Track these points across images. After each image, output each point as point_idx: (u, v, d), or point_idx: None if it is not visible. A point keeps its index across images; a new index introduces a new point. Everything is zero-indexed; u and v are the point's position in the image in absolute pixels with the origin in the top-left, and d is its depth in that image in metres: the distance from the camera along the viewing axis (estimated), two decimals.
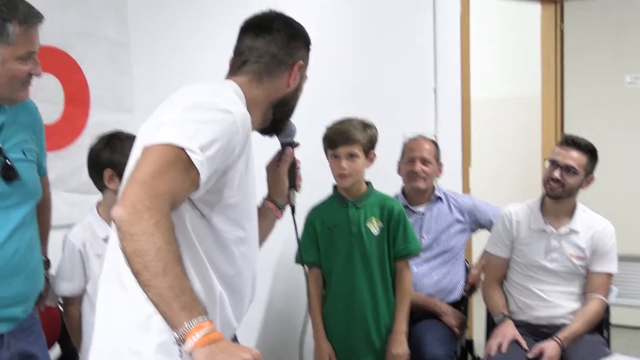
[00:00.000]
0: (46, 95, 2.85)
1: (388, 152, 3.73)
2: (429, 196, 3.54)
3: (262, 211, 2.05)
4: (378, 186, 3.22)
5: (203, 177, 1.52)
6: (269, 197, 2.12)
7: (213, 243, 1.68)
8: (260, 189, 1.93)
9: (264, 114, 1.85)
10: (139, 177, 1.45)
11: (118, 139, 2.48)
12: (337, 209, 3.13)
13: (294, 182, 2.11)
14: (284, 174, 2.10)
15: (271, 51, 1.82)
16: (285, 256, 3.22)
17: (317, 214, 3.18)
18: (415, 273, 3.38)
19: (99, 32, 3.01)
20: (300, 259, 2.98)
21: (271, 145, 2.08)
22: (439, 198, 3.56)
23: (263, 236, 2.06)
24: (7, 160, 2.11)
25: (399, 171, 3.58)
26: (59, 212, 2.72)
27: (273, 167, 2.11)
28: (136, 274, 1.38)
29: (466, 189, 4.48)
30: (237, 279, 1.77)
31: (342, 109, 3.19)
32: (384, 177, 3.60)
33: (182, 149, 1.49)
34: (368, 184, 3.15)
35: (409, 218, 3.34)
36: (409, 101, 4.22)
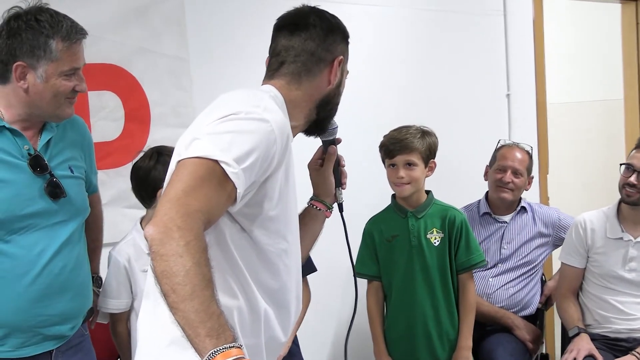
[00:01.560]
0: (107, 113, 2.96)
1: (461, 162, 3.94)
2: (515, 206, 3.49)
3: (310, 212, 2.05)
4: (450, 197, 3.18)
5: (240, 190, 1.49)
6: (316, 198, 2.09)
7: (255, 257, 1.66)
8: (302, 192, 1.91)
9: (307, 116, 1.83)
10: (171, 193, 1.42)
11: (167, 154, 2.48)
12: (396, 220, 3.10)
13: (339, 180, 2.08)
14: (330, 173, 2.07)
15: (309, 49, 1.78)
16: (332, 258, 3.15)
17: (375, 225, 3.15)
18: (490, 284, 3.37)
19: (158, 48, 3.09)
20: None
21: (310, 146, 2.07)
22: (524, 208, 3.50)
23: (313, 238, 2.06)
24: (53, 178, 2.15)
25: (486, 176, 3.54)
26: (120, 228, 2.80)
27: (316, 167, 2.08)
28: (164, 296, 1.36)
29: (544, 198, 4.38)
30: (282, 292, 1.74)
31: (411, 119, 3.16)
32: (457, 186, 3.64)
33: (217, 162, 1.46)
34: (428, 193, 3.11)
35: (490, 227, 3.44)
36: (481, 108, 4.19)
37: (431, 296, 3.03)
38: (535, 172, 3.63)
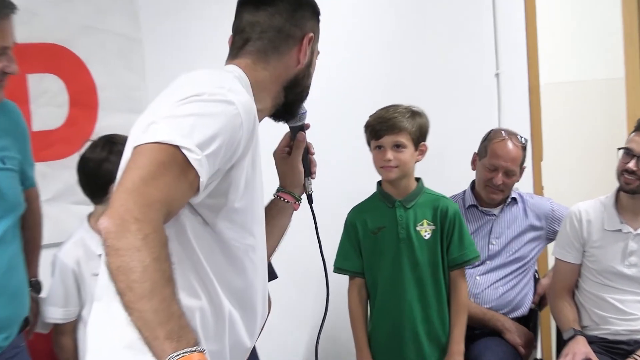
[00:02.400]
0: (49, 98, 2.93)
1: (446, 148, 3.94)
2: (504, 198, 3.51)
3: (277, 205, 2.08)
4: (435, 184, 3.19)
5: (203, 178, 1.50)
6: (283, 189, 2.11)
7: (219, 253, 1.67)
8: (267, 182, 1.92)
9: (274, 99, 1.85)
10: (127, 182, 1.42)
11: (121, 144, 2.39)
12: (382, 210, 3.09)
13: (309, 170, 2.11)
14: (298, 162, 2.10)
15: (276, 24, 1.80)
16: (302, 253, 3.16)
17: (358, 215, 3.14)
18: (478, 283, 3.38)
19: (105, 25, 3.06)
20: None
21: (277, 132, 2.10)
22: (514, 200, 3.52)
23: (280, 234, 2.08)
24: None
25: (474, 165, 3.55)
26: (65, 226, 2.78)
27: (283, 156, 2.10)
28: (120, 294, 1.35)
29: (538, 188, 4.45)
30: (248, 292, 1.76)
31: (390, 100, 3.16)
32: (440, 174, 3.65)
33: (177, 148, 1.46)
34: (418, 180, 3.11)
35: (477, 220, 3.46)
36: (467, 89, 4.20)
37: (421, 295, 3.04)
38: (528, 158, 3.62)
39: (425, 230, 3.03)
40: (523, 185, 3.89)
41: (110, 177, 2.28)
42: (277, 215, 2.07)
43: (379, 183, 3.14)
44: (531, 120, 4.39)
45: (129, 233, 1.35)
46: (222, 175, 1.61)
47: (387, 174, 3.02)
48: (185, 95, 1.56)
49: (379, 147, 3.00)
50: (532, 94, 4.41)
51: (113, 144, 2.49)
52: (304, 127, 2.06)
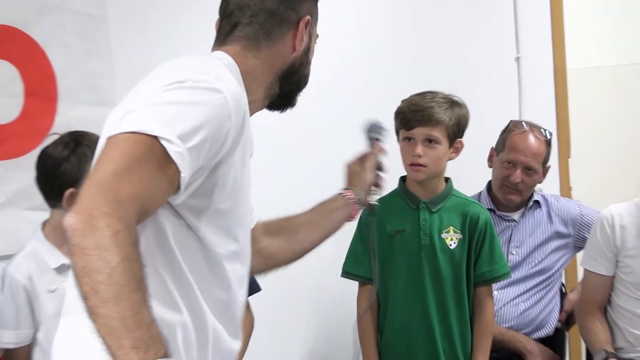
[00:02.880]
0: (0, 88, 2.88)
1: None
2: (525, 201, 3.49)
3: (336, 202, 2.24)
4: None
5: (184, 174, 1.51)
6: (349, 187, 2.28)
7: (203, 261, 1.68)
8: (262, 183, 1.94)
9: (267, 89, 1.88)
10: (98, 176, 1.43)
11: (87, 145, 2.43)
12: (403, 211, 3.06)
13: (377, 180, 2.32)
14: (370, 167, 2.31)
15: (267, 7, 1.82)
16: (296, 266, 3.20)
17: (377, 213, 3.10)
18: (495, 299, 3.32)
19: (65, 3, 3.02)
20: (347, 271, 3.10)
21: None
22: (537, 203, 3.50)
23: (327, 233, 2.25)
24: None
25: (491, 162, 3.53)
26: (20, 236, 2.74)
27: (354, 164, 2.31)
28: (84, 298, 1.35)
29: (565, 188, 4.38)
30: (232, 306, 1.77)
31: (401, 88, 3.17)
32: (453, 172, 3.56)
33: (156, 139, 1.47)
34: (447, 181, 3.08)
35: (495, 227, 3.28)
36: (484, 75, 4.20)
37: (442, 312, 3.00)
38: (553, 155, 3.60)
39: (452, 238, 2.99)
40: (547, 186, 3.88)
41: (67, 180, 2.35)
42: (334, 210, 2.24)
43: (403, 179, 3.09)
44: (557, 111, 4.38)
45: (96, 230, 1.35)
46: (207, 172, 1.61)
47: (415, 175, 2.97)
48: (167, 81, 1.57)
49: (409, 138, 2.95)
50: (557, 80, 4.38)
51: (78, 143, 2.46)
52: (381, 140, 2.33)
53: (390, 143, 2.78)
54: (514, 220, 3.46)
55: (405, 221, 3.03)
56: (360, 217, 3.01)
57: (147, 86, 1.61)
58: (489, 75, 4.22)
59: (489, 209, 3.42)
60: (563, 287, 3.62)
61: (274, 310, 3.47)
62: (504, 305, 3.38)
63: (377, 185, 2.32)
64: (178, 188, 1.53)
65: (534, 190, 3.49)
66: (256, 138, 1.90)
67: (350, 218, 2.33)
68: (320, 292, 3.47)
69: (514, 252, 3.43)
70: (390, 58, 3.97)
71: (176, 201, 1.59)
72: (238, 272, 1.78)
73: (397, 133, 3.01)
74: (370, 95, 3.21)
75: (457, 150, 3.00)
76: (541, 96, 4.33)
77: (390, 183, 2.96)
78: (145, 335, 1.34)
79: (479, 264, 3.00)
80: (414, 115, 2.92)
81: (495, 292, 3.31)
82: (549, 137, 3.46)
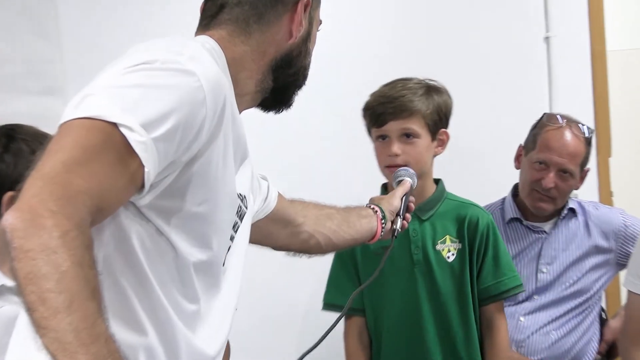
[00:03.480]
0: None
1: (477, 139, 4.06)
2: (558, 209, 3.45)
3: (361, 212, 2.50)
4: (463, 192, 3.20)
5: (149, 168, 1.49)
6: (377, 203, 2.53)
7: (175, 272, 1.68)
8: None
9: (258, 82, 1.89)
10: (45, 167, 1.40)
11: (22, 139, 2.39)
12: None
13: (405, 209, 2.58)
14: (398, 195, 2.61)
15: None
16: (276, 289, 3.42)
17: None
18: (522, 326, 3.33)
19: None
20: (330, 302, 3.13)
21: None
22: (573, 211, 3.47)
23: (358, 231, 2.49)
24: None
25: (518, 162, 3.50)
26: None
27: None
28: (29, 310, 1.32)
29: (605, 194, 4.29)
30: (203, 325, 1.79)
31: (409, 73, 3.16)
32: (470, 176, 3.80)
33: (115, 126, 1.46)
34: (438, 182, 3.07)
35: (521, 240, 3.44)
36: (507, 58, 4.21)
37: (445, 338, 3.01)
38: (592, 156, 3.59)
39: (449, 249, 3.02)
40: (584, 192, 3.80)
41: (4, 183, 2.31)
42: (362, 217, 2.49)
43: (384, 186, 3.09)
44: (594, 101, 4.30)
45: (42, 230, 1.33)
46: (180, 169, 1.61)
47: (392, 177, 2.93)
48: (132, 62, 1.57)
49: (382, 137, 2.95)
50: (595, 64, 4.32)
51: (11, 138, 2.41)
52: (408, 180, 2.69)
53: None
54: (545, 232, 3.43)
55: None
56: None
57: (110, 69, 1.60)
58: (512, 59, 4.20)
59: (515, 219, 3.45)
60: (603, 313, 3.57)
61: (254, 333, 3.57)
62: (532, 334, 3.35)
63: (403, 213, 2.58)
64: (142, 186, 1.52)
65: (569, 197, 3.45)
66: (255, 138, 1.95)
67: (373, 236, 2.51)
68: (308, 315, 3.57)
69: (545, 269, 3.40)
70: (399, 37, 4.05)
71: (142, 202, 1.59)
72: (208, 282, 1.79)
73: (369, 132, 3.03)
74: (367, 89, 3.19)
75: (443, 143, 3.00)
76: (575, 83, 4.28)
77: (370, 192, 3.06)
78: (103, 350, 1.33)
79: (482, 277, 3.02)
80: (385, 108, 2.93)
81: (521, 319, 3.34)
82: (588, 134, 3.41)
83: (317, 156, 3.85)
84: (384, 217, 2.43)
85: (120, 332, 1.51)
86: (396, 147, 2.90)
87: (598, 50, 4.34)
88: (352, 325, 3.10)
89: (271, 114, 2.05)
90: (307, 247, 2.45)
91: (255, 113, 1.99)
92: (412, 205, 2.62)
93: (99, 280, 1.39)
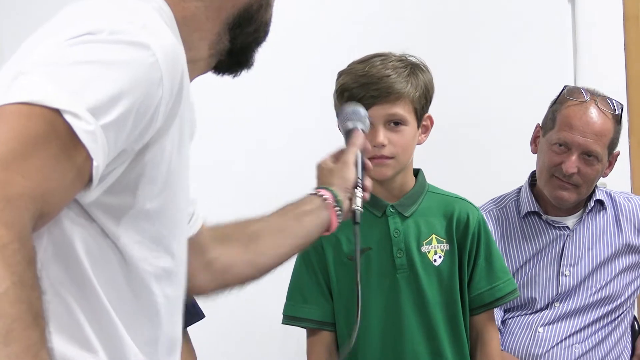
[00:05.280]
0: None
1: (484, 120, 4.07)
2: (583, 201, 3.36)
3: (309, 203, 2.26)
4: (471, 184, 3.30)
5: (98, 162, 1.44)
6: (324, 186, 2.30)
7: (123, 281, 1.64)
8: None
9: (213, 44, 1.84)
10: None
11: None
12: (364, 220, 2.76)
13: (361, 180, 2.33)
14: (350, 160, 2.33)
15: None
16: (262, 296, 3.19)
17: None
18: (541, 338, 3.27)
19: None
20: (291, 314, 3.02)
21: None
22: (600, 203, 3.38)
23: (303, 237, 2.28)
24: None
25: (535, 145, 3.40)
26: None
27: (328, 163, 2.35)
28: None
29: (638, 182, 4.27)
30: (163, 338, 1.74)
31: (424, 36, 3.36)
32: (474, 167, 3.90)
33: (58, 113, 1.40)
34: (417, 174, 2.97)
35: (540, 237, 3.36)
36: (522, 21, 4.16)
37: (434, 352, 2.92)
38: (623, 137, 3.49)
39: (435, 251, 2.92)
40: (613, 180, 3.75)
41: None
42: (307, 213, 2.25)
43: None
44: (627, 74, 4.23)
45: None
46: (130, 159, 1.57)
47: (379, 171, 2.83)
48: (73, 33, 1.51)
49: None
50: (628, 31, 4.25)
51: None
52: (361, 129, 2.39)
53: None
54: (568, 228, 3.33)
55: (369, 235, 2.89)
56: None
57: (45, 40, 1.55)
58: (530, 24, 4.14)
59: (532, 212, 3.35)
60: (636, 322, 3.49)
61: (222, 344, 3.58)
62: (552, 347, 3.26)
63: (359, 186, 2.28)
64: (89, 180, 1.47)
65: (596, 186, 3.34)
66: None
67: (328, 227, 2.31)
68: (290, 328, 3.29)
69: (567, 272, 3.30)
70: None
71: (87, 199, 1.54)
72: (170, 295, 1.73)
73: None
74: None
75: (427, 130, 2.95)
76: (605, 53, 4.20)
77: None
78: None
79: (474, 282, 2.95)
80: (367, 91, 2.81)
81: (539, 330, 3.27)
82: (618, 111, 3.29)
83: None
84: (337, 201, 2.25)
85: (67, 350, 1.49)
86: (382, 136, 2.80)
87: (632, 14, 4.30)
88: (318, 341, 2.98)
89: (227, 77, 1.98)
90: (229, 280, 2.29)
91: None
92: (369, 163, 2.38)
93: (43, 301, 1.35)
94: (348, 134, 2.40)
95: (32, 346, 1.30)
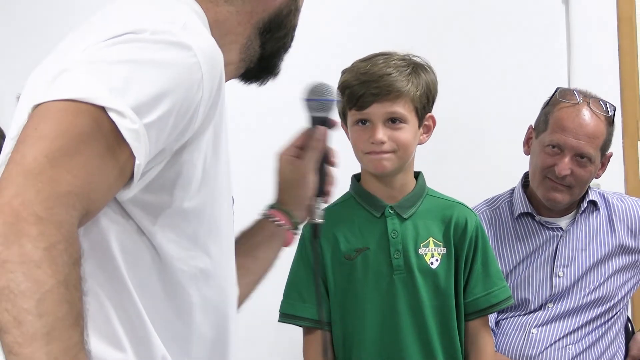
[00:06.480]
0: None
1: (480, 121, 4.08)
2: (575, 202, 3.40)
3: (263, 228, 2.15)
4: (456, 188, 3.17)
5: (140, 160, 1.46)
6: (279, 206, 2.17)
7: (156, 279, 1.63)
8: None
9: (244, 49, 1.85)
10: (25, 160, 1.37)
11: None
12: (363, 221, 2.95)
13: (322, 186, 2.17)
14: (309, 169, 2.16)
15: None
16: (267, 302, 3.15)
17: (323, 228, 2.93)
18: (534, 339, 3.29)
19: None
20: (288, 312, 3.01)
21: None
22: (593, 204, 3.42)
23: (261, 271, 2.15)
24: None
25: (527, 147, 3.44)
26: None
27: (291, 159, 2.17)
28: (0, 330, 1.30)
29: (632, 182, 4.29)
30: (199, 344, 1.73)
31: (421, 37, 3.46)
32: (468, 168, 3.90)
33: (103, 110, 1.41)
34: (418, 176, 2.97)
35: (533, 238, 3.39)
36: (517, 23, 4.19)
37: (427, 356, 2.92)
38: (616, 139, 3.54)
39: (432, 254, 2.91)
40: (607, 181, 3.77)
41: None
42: (260, 244, 2.15)
43: (356, 178, 3.01)
44: (621, 75, 4.27)
45: (24, 238, 1.31)
46: (169, 158, 1.57)
47: (378, 165, 2.84)
48: (116, 32, 1.52)
49: (363, 121, 2.85)
50: (622, 33, 4.27)
51: None
52: (328, 122, 2.14)
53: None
54: (561, 229, 3.36)
55: (367, 235, 2.94)
56: (302, 234, 2.93)
57: (86, 37, 1.56)
58: (524, 25, 4.19)
59: (525, 213, 3.38)
60: (630, 324, 3.54)
61: None
62: (545, 348, 3.29)
63: (322, 192, 2.18)
64: (130, 178, 1.49)
65: (589, 187, 3.38)
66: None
67: (286, 244, 2.24)
68: (283, 326, 3.30)
69: (561, 273, 3.33)
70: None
71: (125, 196, 1.55)
72: (208, 297, 1.73)
73: (343, 115, 2.92)
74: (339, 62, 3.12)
75: (429, 130, 2.94)
76: (599, 54, 4.24)
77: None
78: None
79: (470, 288, 2.95)
80: (367, 88, 2.81)
81: (533, 331, 3.30)
82: (610, 112, 3.33)
83: None
84: (294, 223, 2.17)
85: (97, 346, 1.49)
86: (381, 134, 2.80)
87: (626, 15, 4.32)
88: (314, 340, 2.95)
89: (253, 86, 1.98)
90: None
91: None
92: (334, 160, 2.22)
93: (83, 304, 1.39)
94: (313, 123, 2.19)
95: (72, 347, 1.33)
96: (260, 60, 1.89)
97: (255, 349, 3.73)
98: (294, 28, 1.93)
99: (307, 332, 2.98)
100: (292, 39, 1.95)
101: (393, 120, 2.81)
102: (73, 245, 1.37)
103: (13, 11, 3.42)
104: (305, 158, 2.15)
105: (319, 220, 2.18)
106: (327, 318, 2.97)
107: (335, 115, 2.20)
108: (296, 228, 2.19)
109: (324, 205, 2.21)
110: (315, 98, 2.17)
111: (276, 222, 2.14)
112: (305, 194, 2.16)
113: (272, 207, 2.16)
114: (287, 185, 2.17)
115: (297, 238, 2.26)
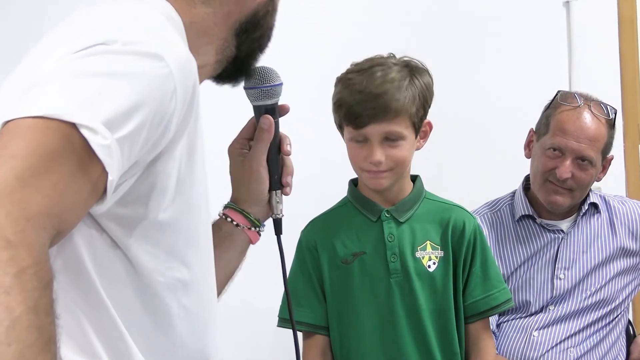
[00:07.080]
0: None
1: (481, 124, 4.06)
2: (577, 205, 3.40)
3: (221, 229, 2.09)
4: (463, 188, 3.37)
5: (113, 176, 1.43)
6: (234, 205, 2.12)
7: (132, 292, 1.62)
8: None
9: (220, 50, 1.83)
10: None
11: None
12: (360, 225, 2.95)
13: (279, 178, 2.10)
14: (260, 163, 2.08)
15: None
16: (266, 306, 3.19)
17: (321, 232, 3.00)
18: (536, 342, 3.29)
19: None
20: (286, 317, 2.95)
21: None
22: (595, 207, 3.41)
23: (226, 274, 2.09)
24: None
25: (528, 150, 3.44)
26: None
27: (241, 152, 2.12)
28: None
29: (634, 186, 4.33)
30: (180, 354, 1.72)
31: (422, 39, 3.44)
32: (469, 171, 3.89)
33: (74, 126, 1.39)
34: (415, 180, 2.96)
35: (534, 240, 3.38)
36: (517, 25, 4.19)
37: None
38: (617, 142, 3.52)
39: (430, 257, 2.90)
40: (609, 184, 3.82)
41: None
42: (220, 245, 2.04)
43: (354, 182, 3.00)
44: (622, 78, 4.30)
45: None
46: (142, 170, 1.56)
47: (375, 183, 2.86)
48: (87, 43, 1.50)
49: (357, 140, 2.83)
50: (623, 35, 4.29)
51: None
52: (276, 110, 2.08)
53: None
54: (562, 232, 3.36)
55: (364, 240, 2.93)
56: (300, 239, 3.03)
57: (57, 48, 1.54)
58: (525, 28, 4.19)
59: (527, 216, 3.37)
60: (630, 326, 3.54)
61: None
62: (547, 351, 3.29)
63: (279, 184, 2.10)
64: (103, 194, 1.47)
65: (590, 190, 3.37)
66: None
67: (250, 243, 2.17)
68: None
69: (562, 276, 3.33)
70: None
71: (99, 210, 1.53)
72: (189, 307, 1.71)
73: (341, 128, 2.91)
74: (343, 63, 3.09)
75: (425, 135, 2.91)
76: (600, 57, 4.26)
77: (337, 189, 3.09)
78: None
79: (469, 291, 2.94)
80: (364, 109, 2.77)
81: (534, 333, 3.29)
82: (611, 115, 3.32)
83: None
84: (252, 221, 2.11)
85: (72, 358, 1.49)
86: (379, 154, 2.77)
87: (627, 17, 4.35)
88: (313, 344, 2.97)
89: (226, 86, 1.96)
90: None
91: None
92: (288, 149, 2.11)
93: (54, 328, 1.35)
94: (257, 117, 2.08)
95: None
96: (235, 61, 1.89)
97: (256, 351, 3.74)
98: (270, 29, 1.94)
99: (305, 336, 2.98)
100: (268, 39, 1.95)
101: (391, 139, 2.80)
102: (44, 268, 1.35)
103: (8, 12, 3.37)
104: (254, 150, 2.09)
105: (279, 215, 2.11)
106: (325, 322, 2.97)
107: (281, 100, 2.08)
108: (257, 226, 2.12)
109: (285, 198, 2.14)
110: (254, 86, 2.05)
111: (231, 222, 2.11)
112: (258, 188, 2.10)
113: (227, 206, 2.13)
114: (238, 181, 2.13)
115: (260, 235, 2.15)
